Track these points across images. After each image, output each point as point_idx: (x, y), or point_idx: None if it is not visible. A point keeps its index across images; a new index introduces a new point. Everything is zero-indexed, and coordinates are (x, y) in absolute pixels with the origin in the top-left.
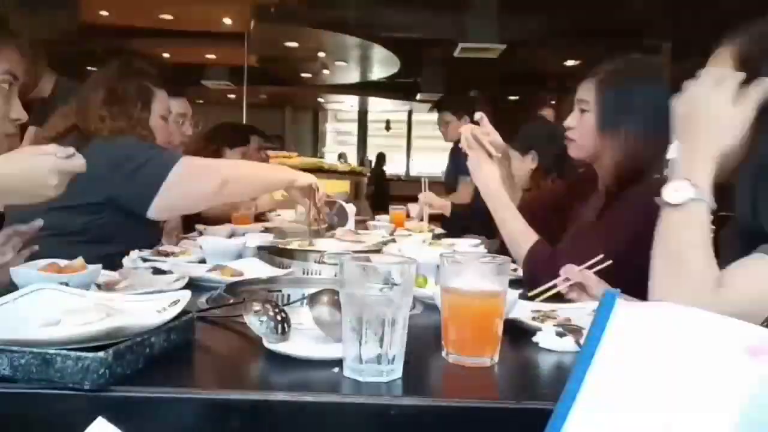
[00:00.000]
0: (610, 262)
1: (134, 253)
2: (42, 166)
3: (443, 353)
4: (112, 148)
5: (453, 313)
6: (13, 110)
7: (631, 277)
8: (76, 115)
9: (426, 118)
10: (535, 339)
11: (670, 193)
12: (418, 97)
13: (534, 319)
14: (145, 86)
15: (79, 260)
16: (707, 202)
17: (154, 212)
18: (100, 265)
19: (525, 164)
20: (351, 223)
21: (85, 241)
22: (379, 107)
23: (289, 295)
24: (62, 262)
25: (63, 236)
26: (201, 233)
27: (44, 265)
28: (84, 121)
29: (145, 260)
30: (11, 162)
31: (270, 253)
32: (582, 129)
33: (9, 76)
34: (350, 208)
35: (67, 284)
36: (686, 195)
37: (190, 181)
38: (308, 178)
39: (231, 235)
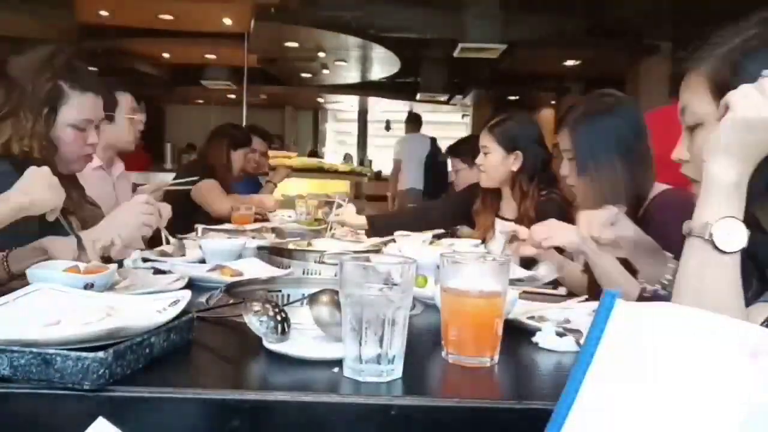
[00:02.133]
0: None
1: (135, 253)
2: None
3: (443, 353)
4: None
5: (453, 313)
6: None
7: None
8: None
9: (426, 118)
10: (534, 339)
11: (723, 237)
12: (418, 97)
13: (530, 318)
14: (57, 87)
15: (95, 262)
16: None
17: None
18: (116, 265)
19: (506, 164)
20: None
21: None
22: (379, 107)
23: (289, 295)
24: (81, 265)
25: None
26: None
27: (65, 268)
28: None
29: (145, 260)
30: None
31: (270, 253)
32: (573, 175)
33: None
34: (350, 208)
35: (92, 285)
36: (741, 242)
37: None
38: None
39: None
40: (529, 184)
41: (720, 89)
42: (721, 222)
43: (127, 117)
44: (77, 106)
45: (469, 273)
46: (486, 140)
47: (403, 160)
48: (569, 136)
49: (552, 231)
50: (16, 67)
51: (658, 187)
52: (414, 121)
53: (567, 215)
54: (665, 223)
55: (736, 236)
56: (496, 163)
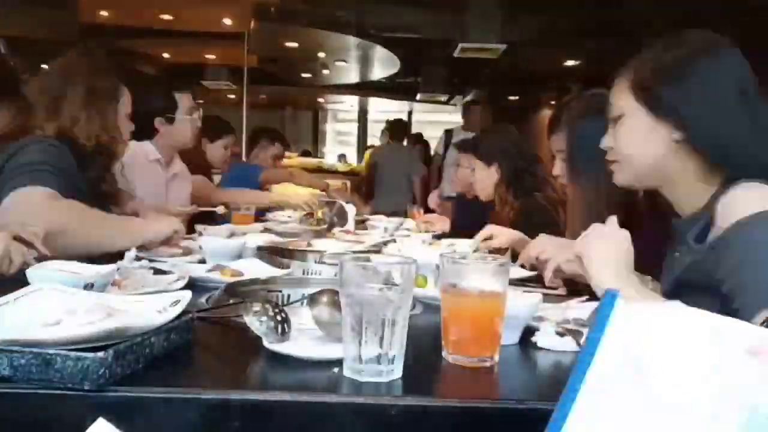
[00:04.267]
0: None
1: (131, 253)
2: None
3: (443, 353)
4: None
5: (453, 313)
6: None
7: None
8: (44, 113)
9: (426, 118)
10: (534, 339)
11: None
12: (418, 97)
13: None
14: (116, 84)
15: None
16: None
17: None
18: (116, 265)
19: (489, 176)
20: (351, 224)
21: None
22: (379, 107)
23: (289, 295)
24: (78, 266)
25: None
26: (201, 233)
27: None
28: (54, 122)
29: (138, 259)
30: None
31: (270, 253)
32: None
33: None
34: (350, 209)
35: (92, 285)
36: None
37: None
38: (166, 228)
39: (231, 235)
40: (506, 192)
41: (637, 89)
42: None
43: (186, 117)
44: (127, 99)
45: (469, 273)
46: (466, 159)
47: (380, 176)
48: (563, 136)
49: (550, 251)
50: (76, 65)
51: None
52: (396, 129)
53: (551, 216)
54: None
55: None
56: (482, 178)
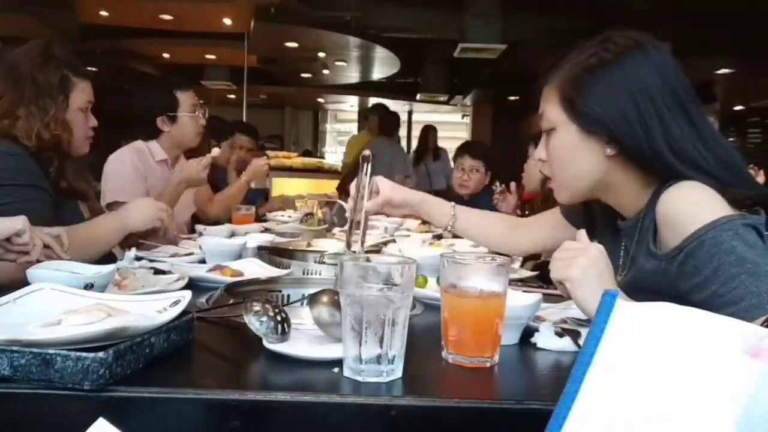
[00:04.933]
0: None
1: (131, 253)
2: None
3: (443, 353)
4: None
5: (453, 313)
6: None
7: None
8: None
9: (426, 118)
10: (533, 339)
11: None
12: (418, 97)
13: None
14: (65, 77)
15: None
16: None
17: None
18: (116, 265)
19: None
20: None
21: None
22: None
23: (289, 295)
24: (78, 266)
25: None
26: (201, 233)
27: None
28: None
29: (138, 259)
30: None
31: (270, 253)
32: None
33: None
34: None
35: (92, 285)
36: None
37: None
38: (147, 216)
39: (231, 235)
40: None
41: (566, 100)
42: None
43: (188, 115)
44: (81, 92)
45: (469, 273)
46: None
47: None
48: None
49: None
50: (20, 62)
51: None
52: (387, 123)
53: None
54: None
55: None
56: (481, 179)
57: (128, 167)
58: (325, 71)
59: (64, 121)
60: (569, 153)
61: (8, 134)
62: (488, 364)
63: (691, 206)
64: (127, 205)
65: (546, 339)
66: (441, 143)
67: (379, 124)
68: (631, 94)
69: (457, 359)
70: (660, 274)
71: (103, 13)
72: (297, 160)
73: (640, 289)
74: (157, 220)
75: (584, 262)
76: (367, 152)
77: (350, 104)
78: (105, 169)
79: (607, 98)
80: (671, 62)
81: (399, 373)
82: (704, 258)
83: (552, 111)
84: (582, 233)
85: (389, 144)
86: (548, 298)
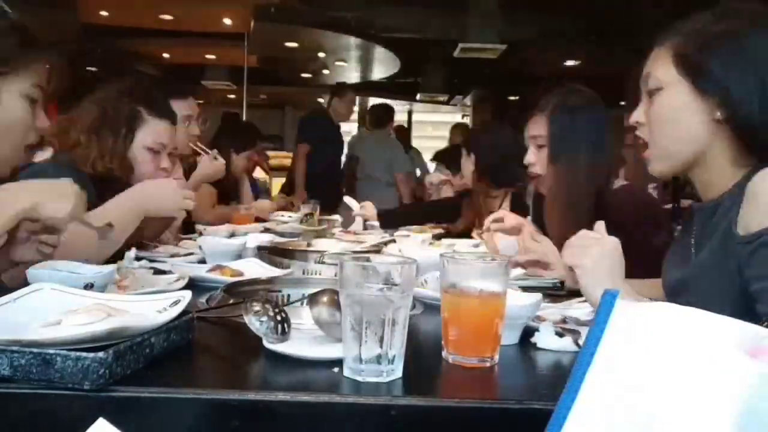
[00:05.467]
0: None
1: (131, 253)
2: None
3: (443, 353)
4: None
5: (453, 313)
6: (38, 120)
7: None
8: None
9: (426, 118)
10: (533, 339)
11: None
12: (418, 97)
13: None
14: (136, 112)
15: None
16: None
17: None
18: (115, 265)
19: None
20: (358, 223)
21: None
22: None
23: (289, 295)
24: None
25: None
26: (201, 233)
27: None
28: (58, 141)
29: (138, 259)
30: None
31: (270, 253)
32: (542, 163)
33: (37, 89)
34: (356, 208)
35: (92, 285)
36: None
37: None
38: (170, 201)
39: (231, 235)
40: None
41: (682, 57)
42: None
43: (180, 126)
44: (153, 131)
45: (470, 273)
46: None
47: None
48: (545, 122)
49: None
50: (102, 92)
51: (618, 182)
52: (378, 115)
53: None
54: (624, 217)
55: None
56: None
57: None
58: (325, 71)
59: (122, 156)
60: (675, 113)
61: (71, 159)
62: (488, 364)
63: None
64: (145, 185)
65: (546, 339)
66: (441, 143)
67: (370, 117)
68: (755, 65)
69: (457, 359)
70: (730, 256)
71: (103, 13)
72: None
73: (705, 273)
74: (181, 210)
75: (597, 252)
76: None
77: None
78: None
79: (729, 59)
80: None
81: (399, 373)
82: None
83: (661, 70)
84: (600, 224)
85: (384, 138)
86: (548, 297)
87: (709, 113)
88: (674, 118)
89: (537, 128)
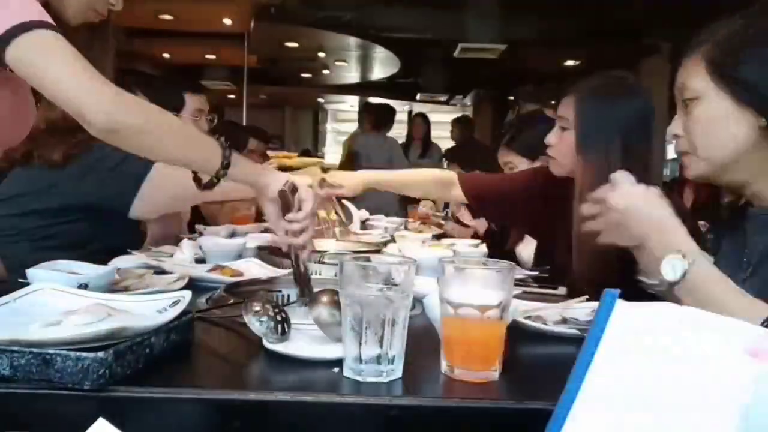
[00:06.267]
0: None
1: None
2: None
3: (443, 367)
4: (88, 149)
5: (454, 333)
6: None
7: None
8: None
9: None
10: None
11: (668, 271)
12: (418, 97)
13: (528, 318)
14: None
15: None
16: (704, 257)
17: (136, 212)
18: (115, 266)
19: None
20: (356, 224)
21: (57, 246)
22: None
23: (289, 295)
24: (77, 266)
25: (35, 241)
26: (201, 233)
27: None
28: None
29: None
30: None
31: (270, 253)
32: (562, 147)
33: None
34: (355, 210)
35: (86, 286)
36: (683, 266)
37: (172, 177)
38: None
39: (231, 235)
40: None
41: (715, 68)
42: (666, 262)
43: (189, 117)
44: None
45: (471, 283)
46: (508, 157)
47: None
48: (576, 106)
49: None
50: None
51: None
52: (380, 115)
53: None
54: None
55: (678, 264)
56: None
57: None
58: (325, 71)
59: None
60: (715, 122)
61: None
62: (495, 378)
63: None
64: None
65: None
66: (441, 143)
67: (375, 118)
68: None
69: (464, 374)
70: None
71: None
72: (297, 160)
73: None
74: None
75: (647, 194)
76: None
77: (350, 104)
78: None
79: (763, 65)
80: None
81: (399, 373)
82: None
83: (695, 80)
84: (618, 176)
85: (384, 139)
86: (548, 298)
87: (752, 120)
88: (715, 128)
89: (565, 109)
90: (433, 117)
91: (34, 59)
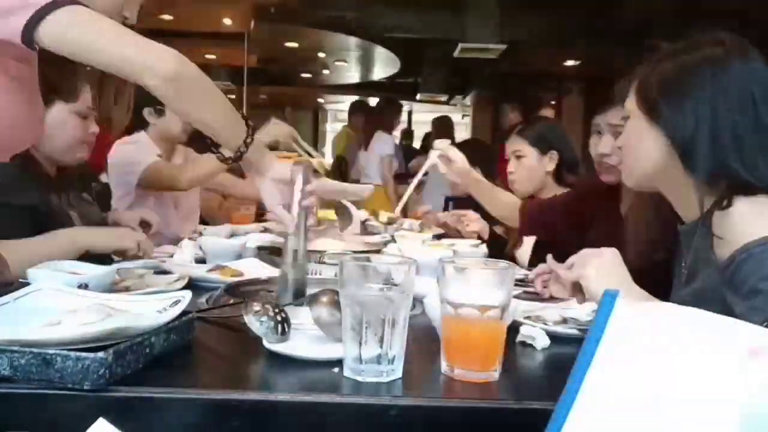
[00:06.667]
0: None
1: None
2: None
3: (443, 367)
4: None
5: (454, 333)
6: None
7: None
8: None
9: (426, 118)
10: (531, 341)
11: None
12: (418, 97)
13: (528, 318)
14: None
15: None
16: None
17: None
18: (115, 266)
19: (542, 166)
20: (356, 224)
21: None
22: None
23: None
24: (77, 266)
25: None
26: (201, 233)
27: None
28: None
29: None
30: None
31: (270, 253)
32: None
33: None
34: (355, 210)
35: (86, 286)
36: None
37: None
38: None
39: (231, 235)
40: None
41: (642, 94)
42: None
43: None
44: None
45: (471, 284)
46: (518, 144)
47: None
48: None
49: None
50: None
51: None
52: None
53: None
54: None
55: None
56: (530, 166)
57: None
58: (325, 71)
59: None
60: (636, 141)
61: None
62: (495, 378)
63: (750, 218)
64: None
65: (543, 340)
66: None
67: (383, 118)
68: (704, 106)
69: (464, 375)
70: (716, 283)
71: None
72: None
73: (706, 299)
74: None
75: (597, 262)
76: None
77: (350, 104)
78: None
79: (677, 106)
80: (759, 70)
81: (399, 373)
82: (749, 271)
83: (629, 100)
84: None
85: (378, 137)
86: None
87: (664, 143)
88: (635, 144)
89: (615, 117)
90: (433, 117)
91: (77, 34)
